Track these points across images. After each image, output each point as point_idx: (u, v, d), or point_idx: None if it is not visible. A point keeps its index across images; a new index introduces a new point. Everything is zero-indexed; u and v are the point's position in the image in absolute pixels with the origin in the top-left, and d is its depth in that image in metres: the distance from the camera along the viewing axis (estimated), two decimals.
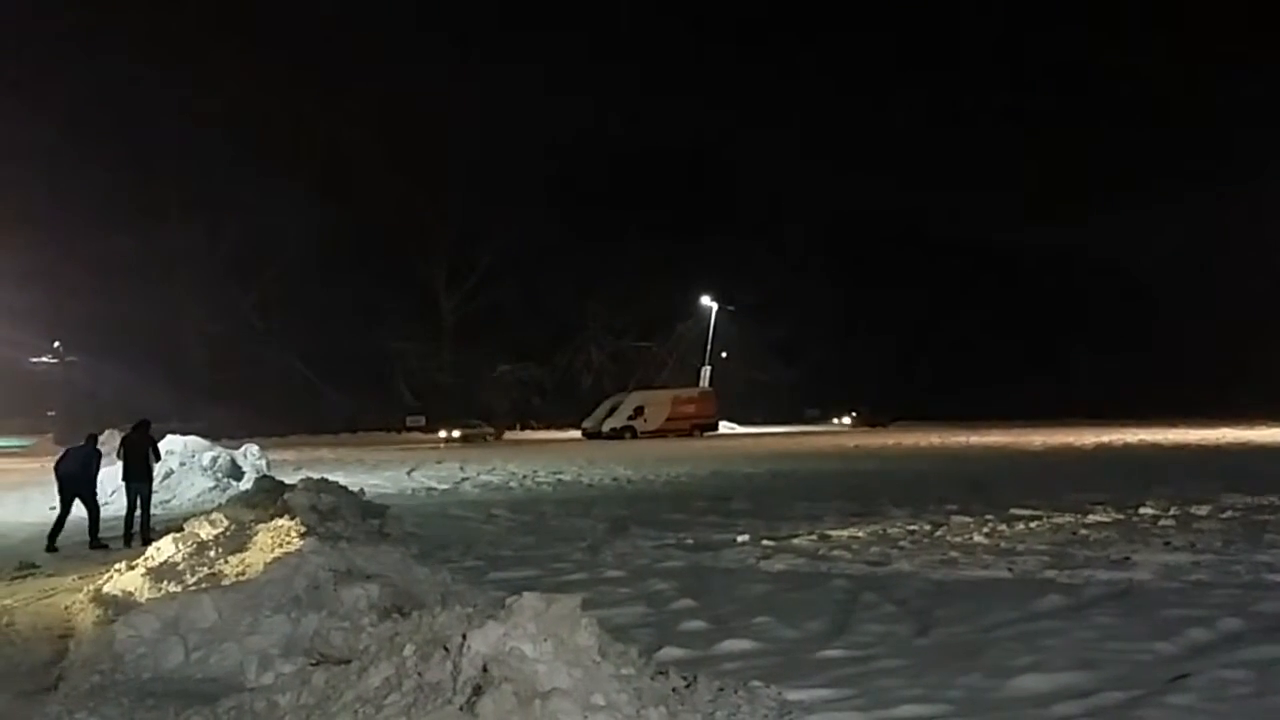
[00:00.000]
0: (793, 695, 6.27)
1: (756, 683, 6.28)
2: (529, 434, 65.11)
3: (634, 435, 58.25)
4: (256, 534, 11.33)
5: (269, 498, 16.16)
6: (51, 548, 14.21)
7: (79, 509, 14.76)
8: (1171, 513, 15.56)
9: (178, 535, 11.94)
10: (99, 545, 14.38)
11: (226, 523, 12.44)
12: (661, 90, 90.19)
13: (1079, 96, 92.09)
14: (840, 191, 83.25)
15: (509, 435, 62.82)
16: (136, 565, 10.98)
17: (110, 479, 16.97)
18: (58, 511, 14.89)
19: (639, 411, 60.60)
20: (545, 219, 69.36)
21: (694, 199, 78.77)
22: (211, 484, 21.69)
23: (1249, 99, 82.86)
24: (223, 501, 18.29)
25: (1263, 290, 73.38)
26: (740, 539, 13.82)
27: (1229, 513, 15.50)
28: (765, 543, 13.40)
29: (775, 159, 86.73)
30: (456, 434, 58.53)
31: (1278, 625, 8.10)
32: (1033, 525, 14.57)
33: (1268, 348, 69.84)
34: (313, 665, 6.27)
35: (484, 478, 26.92)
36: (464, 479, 26.60)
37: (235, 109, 63.21)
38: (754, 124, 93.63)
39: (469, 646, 5.14)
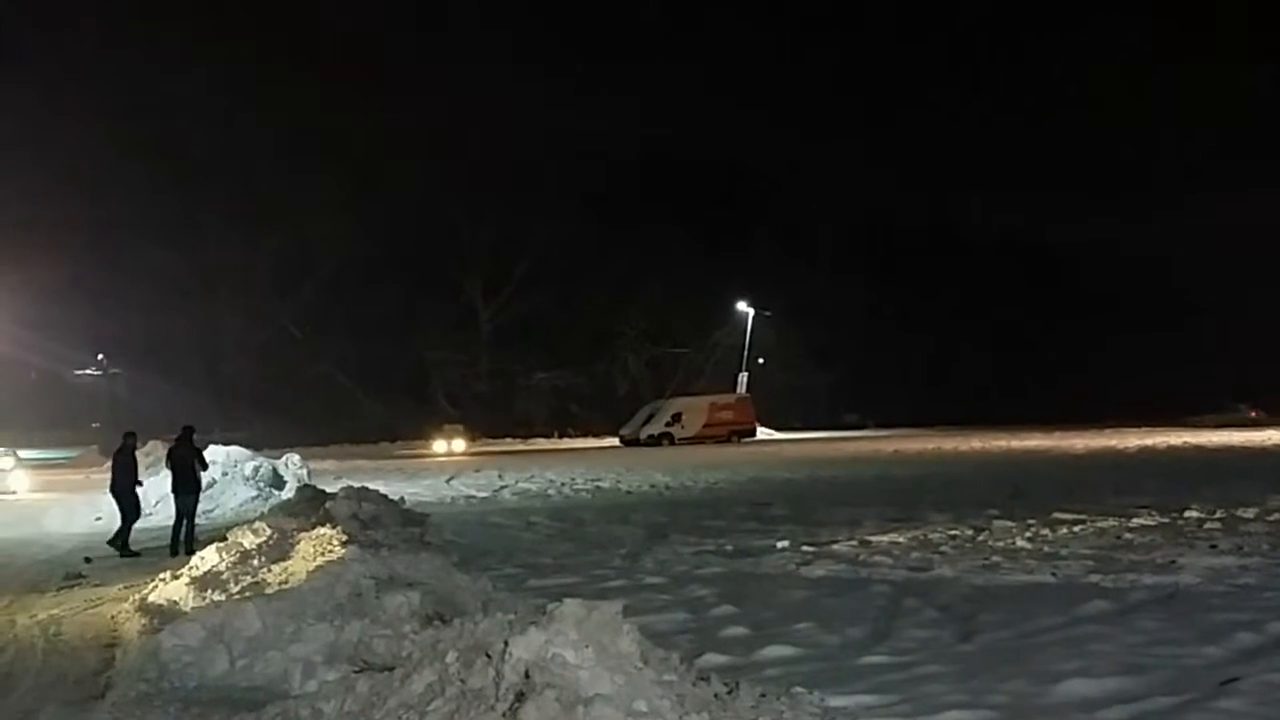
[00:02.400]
0: (835, 702, 6.23)
1: (799, 689, 6.24)
2: (559, 442, 64.05)
3: (671, 442, 58.15)
4: (299, 543, 11.41)
5: (311, 506, 16.27)
6: (123, 552, 14.46)
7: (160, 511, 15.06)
8: (1217, 516, 15.36)
9: (221, 544, 12.06)
10: (127, 552, 14.53)
11: (269, 532, 12.54)
12: (696, 95, 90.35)
13: (1115, 95, 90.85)
14: (875, 194, 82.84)
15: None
16: (181, 574, 11.11)
17: (154, 489, 17.17)
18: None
19: (676, 418, 60.50)
20: (581, 226, 69.48)
21: (730, 204, 78.69)
22: (254, 493, 21.89)
23: None
24: (265, 510, 18.43)
25: None
26: (780, 545, 13.77)
27: (1276, 515, 15.28)
28: (805, 548, 13.34)
29: (810, 163, 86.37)
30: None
31: None
32: (1076, 529, 14.43)
33: None
34: (356, 673, 6.31)
35: (523, 485, 26.98)
36: (503, 486, 26.67)
37: (275, 119, 63.92)
38: (787, 128, 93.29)
39: (511, 653, 5.14)
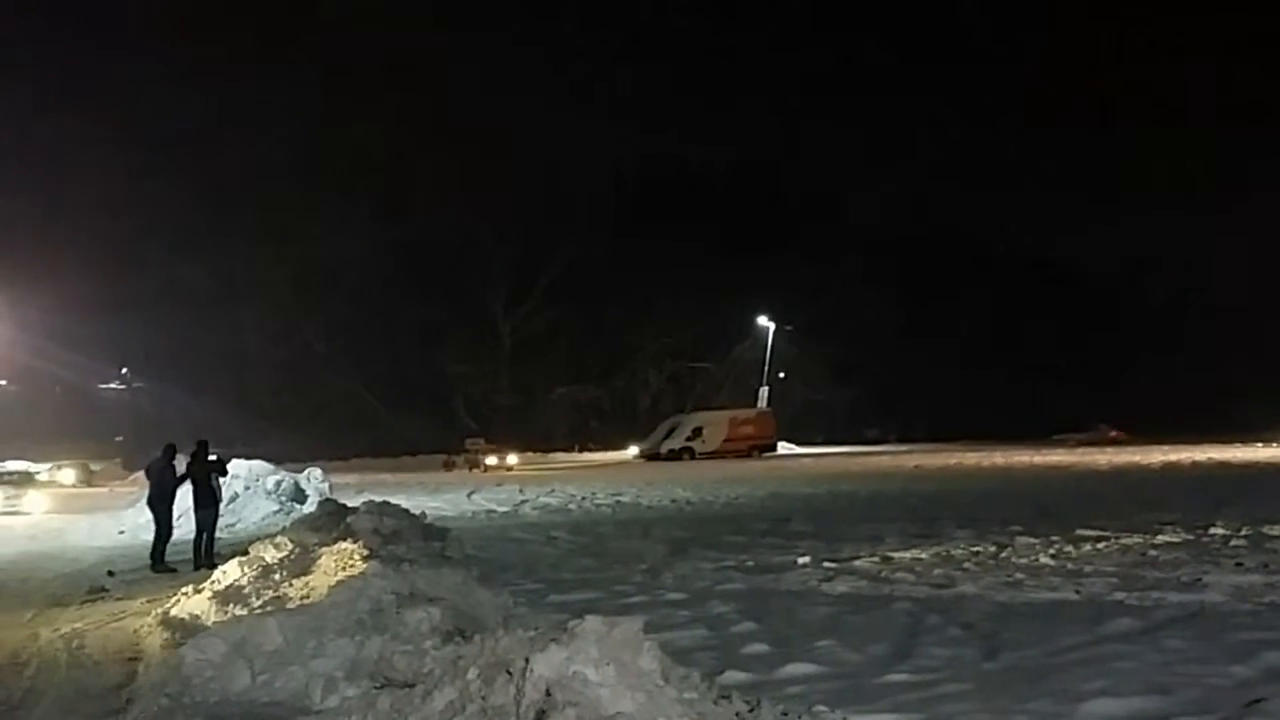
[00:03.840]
0: None
1: (821, 707, 6.21)
2: (578, 457, 63.62)
3: (692, 456, 58.08)
4: (320, 557, 11.43)
5: (332, 521, 16.30)
6: (158, 567, 14.52)
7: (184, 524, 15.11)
8: (1243, 533, 15.22)
9: (243, 559, 12.09)
10: (163, 568, 14.57)
11: (291, 546, 12.57)
12: (718, 109, 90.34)
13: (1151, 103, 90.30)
14: (900, 208, 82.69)
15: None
16: (203, 589, 11.14)
17: (178, 502, 17.23)
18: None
19: (697, 433, 60.45)
20: (603, 240, 69.70)
21: (752, 218, 78.56)
22: (275, 507, 21.97)
23: None
24: (287, 525, 18.47)
25: None
26: (801, 561, 13.72)
27: None
28: (826, 565, 13.29)
29: (834, 177, 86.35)
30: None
31: None
32: (1100, 546, 14.32)
33: None
34: (377, 689, 6.31)
35: (543, 500, 26.98)
36: (523, 501, 26.68)
37: (302, 134, 64.40)
38: (811, 142, 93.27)
39: (532, 670, 5.14)
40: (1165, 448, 51.56)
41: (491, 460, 52.05)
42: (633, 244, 70.93)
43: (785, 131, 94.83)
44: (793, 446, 66.99)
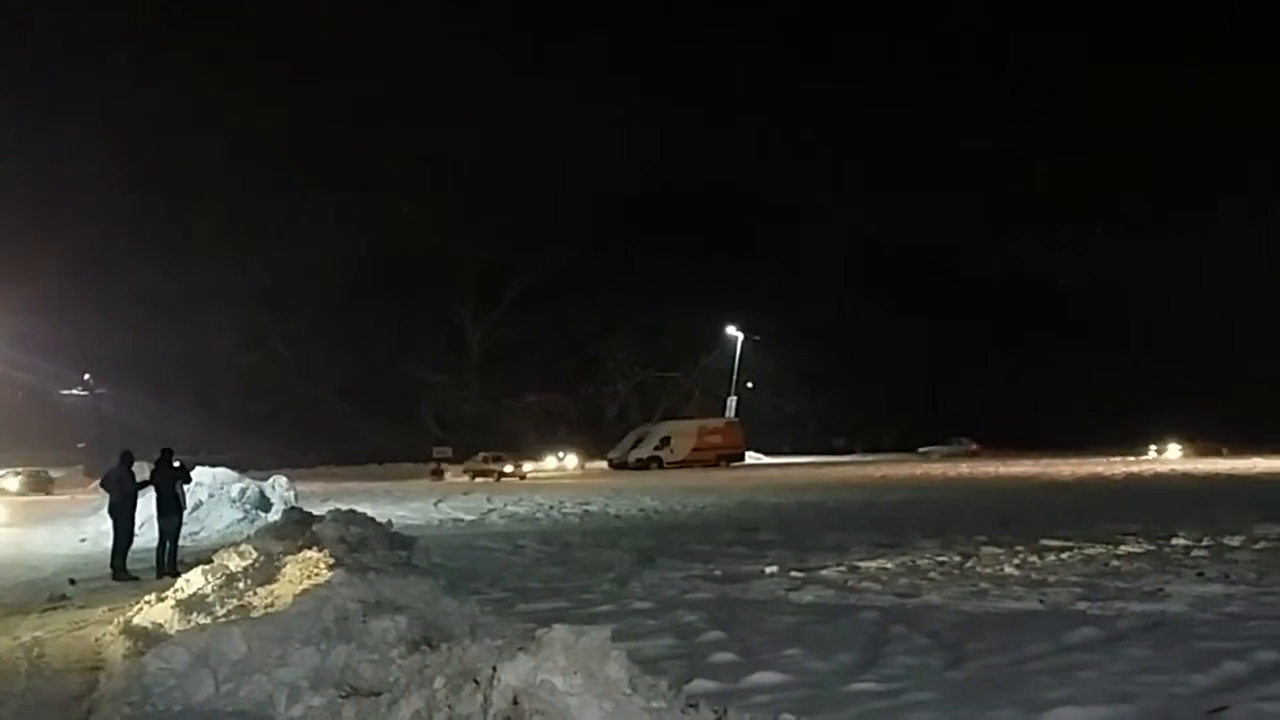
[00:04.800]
0: None
1: (787, 716, 6.22)
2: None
3: (660, 465, 58.13)
4: (285, 565, 11.36)
5: (297, 529, 16.21)
6: (120, 575, 14.35)
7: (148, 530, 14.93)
8: (1204, 544, 15.41)
9: (207, 567, 11.99)
10: (125, 576, 14.41)
11: (255, 554, 12.48)
12: (691, 119, 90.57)
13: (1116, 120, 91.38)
14: (867, 220, 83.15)
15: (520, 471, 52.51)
16: (166, 597, 11.03)
17: (139, 511, 17.06)
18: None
19: (665, 442, 60.52)
20: (572, 249, 69.73)
21: (721, 229, 78.88)
22: (240, 515, 21.79)
23: None
24: (251, 533, 18.33)
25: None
26: (768, 570, 13.75)
27: (1262, 543, 15.34)
28: (794, 574, 13.33)
29: (804, 188, 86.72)
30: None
31: None
32: (1064, 556, 14.44)
33: None
34: (342, 698, 6.27)
35: (511, 509, 26.92)
36: (491, 510, 26.61)
37: (267, 139, 64.03)
38: (782, 153, 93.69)
39: (499, 679, 5.13)
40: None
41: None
42: (602, 253, 71.22)
43: (755, 142, 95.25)
44: (760, 456, 67.21)
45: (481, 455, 53.84)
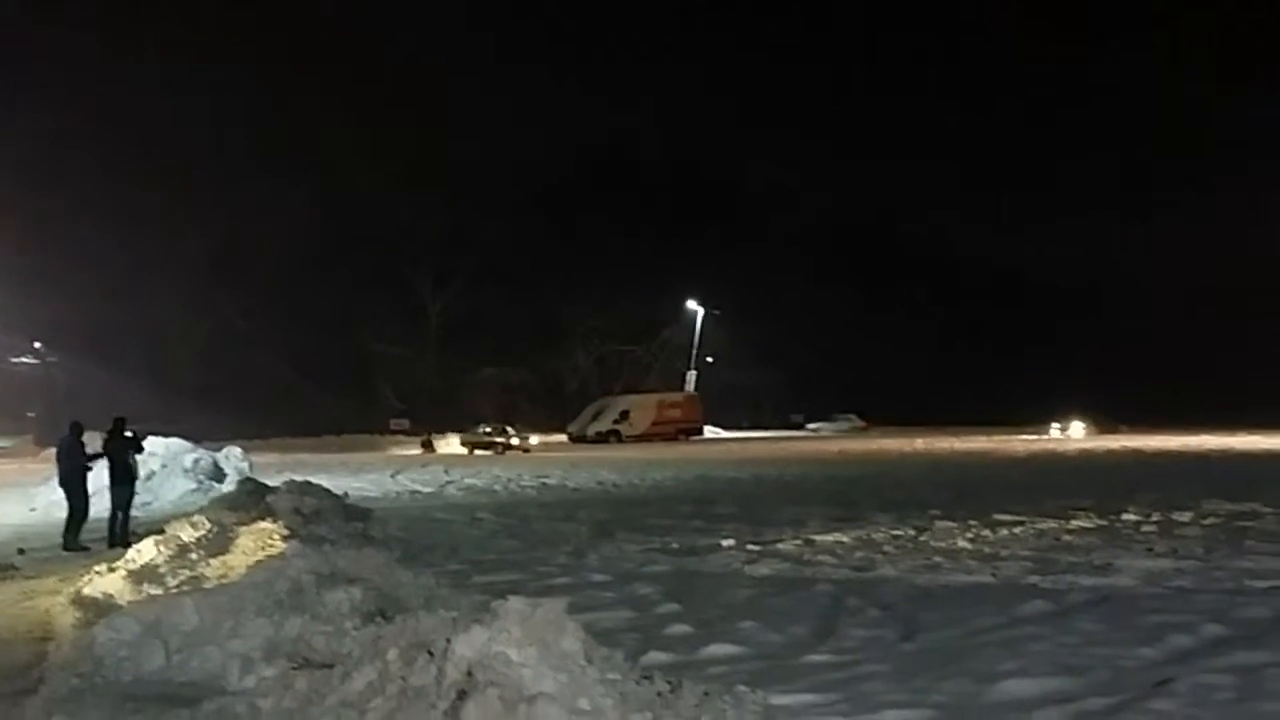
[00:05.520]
0: (778, 700, 6.25)
1: (742, 688, 6.25)
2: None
3: (619, 439, 58.17)
4: (239, 537, 11.28)
5: (251, 500, 16.09)
6: (71, 546, 14.14)
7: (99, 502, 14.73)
8: (1154, 519, 15.64)
9: (159, 538, 11.88)
10: (74, 546, 14.23)
11: (208, 525, 12.38)
12: (655, 93, 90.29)
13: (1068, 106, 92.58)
14: (828, 198, 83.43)
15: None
16: (117, 568, 10.91)
17: (91, 481, 16.85)
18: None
19: (625, 415, 60.54)
20: (533, 221, 69.42)
21: (683, 203, 78.82)
22: (193, 486, 21.57)
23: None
24: (205, 504, 18.19)
25: (1238, 297, 74.66)
26: (725, 543, 13.81)
27: (1210, 519, 15.59)
28: (750, 547, 13.39)
29: (763, 164, 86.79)
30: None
31: (1259, 632, 8.13)
32: (1016, 531, 14.61)
33: (1250, 354, 70.63)
34: (295, 669, 6.23)
35: (468, 481, 26.85)
36: (448, 482, 26.53)
37: (224, 108, 63.11)
38: (742, 128, 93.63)
39: (454, 651, 5.11)
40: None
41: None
42: (563, 226, 70.90)
43: (719, 119, 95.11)
44: (719, 430, 67.43)
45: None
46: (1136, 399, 63.94)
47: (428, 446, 49.79)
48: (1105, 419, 61.03)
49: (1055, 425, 61.86)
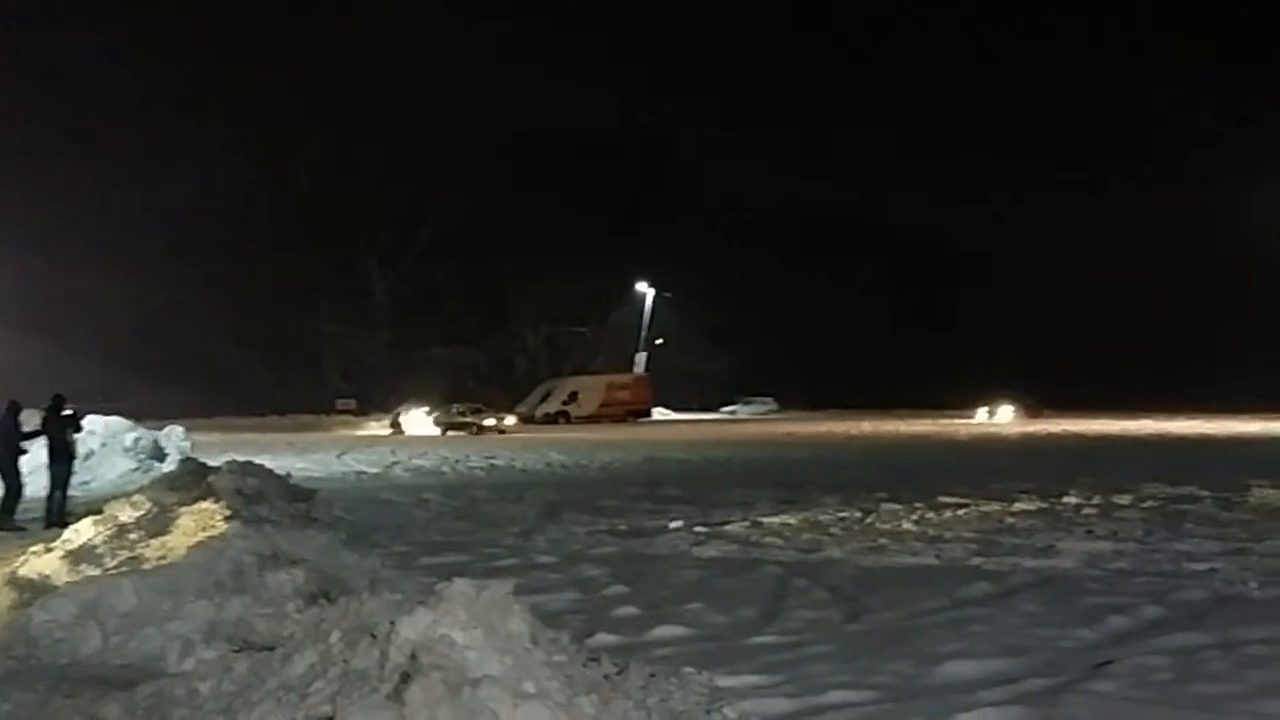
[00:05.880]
0: (724, 682, 6.25)
1: (688, 669, 6.24)
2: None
3: (568, 420, 58.10)
4: (179, 517, 11.08)
5: (193, 480, 15.81)
6: (6, 526, 13.85)
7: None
8: (1094, 502, 15.87)
9: (97, 517, 11.64)
10: (9, 526, 13.96)
11: (148, 505, 12.15)
12: (608, 73, 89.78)
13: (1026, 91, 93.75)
14: (780, 180, 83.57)
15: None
16: (54, 548, 10.68)
17: (28, 460, 16.52)
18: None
19: (573, 397, 60.49)
20: (484, 200, 68.82)
21: (634, 184, 78.67)
22: (133, 465, 21.23)
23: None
24: (145, 484, 17.88)
25: (1182, 283, 76.12)
26: (673, 525, 13.84)
27: (1149, 502, 15.85)
28: (698, 529, 13.43)
29: (716, 146, 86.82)
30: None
31: (1197, 613, 8.27)
32: (960, 513, 14.77)
33: (1189, 339, 71.99)
34: (235, 652, 6.13)
35: (415, 462, 26.69)
36: (395, 463, 26.34)
37: (170, 80, 61.95)
38: (694, 111, 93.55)
39: (397, 633, 5.04)
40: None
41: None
42: (514, 206, 70.43)
43: (671, 98, 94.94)
44: (668, 412, 67.58)
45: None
46: (1061, 384, 65.02)
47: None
48: (1030, 403, 61.58)
49: (984, 409, 61.97)
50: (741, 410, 72.72)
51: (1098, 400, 61.95)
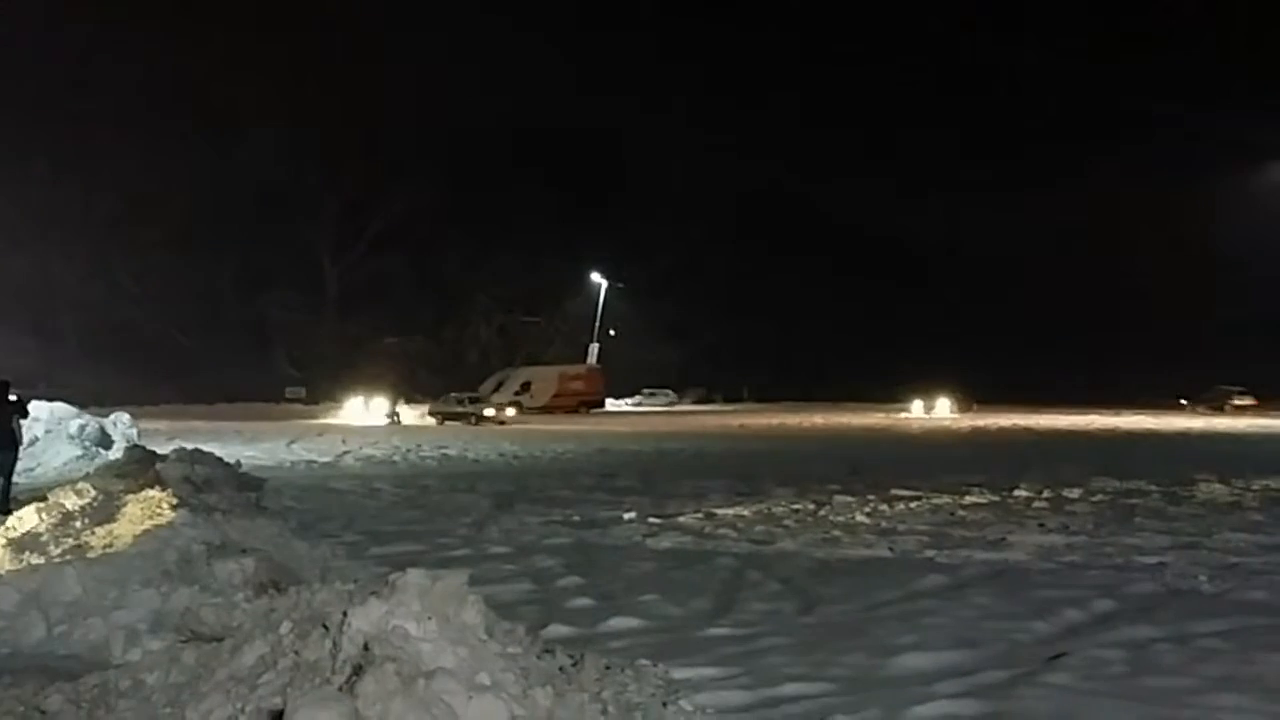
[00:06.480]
0: (679, 674, 6.23)
1: (643, 661, 6.22)
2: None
3: (521, 411, 57.84)
4: (126, 505, 10.89)
5: (140, 468, 15.58)
6: None
7: None
8: (1045, 495, 16.02)
9: (41, 505, 11.41)
10: None
11: (94, 493, 11.94)
12: (563, 64, 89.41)
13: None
14: (736, 175, 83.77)
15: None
16: None
17: None
18: None
19: (526, 387, 60.22)
20: (437, 188, 68.27)
21: (589, 175, 78.41)
22: (79, 453, 20.84)
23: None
24: (90, 471, 17.59)
25: (1118, 281, 77.52)
26: (627, 516, 13.80)
27: (1099, 496, 16.02)
28: (652, 520, 13.39)
29: (673, 140, 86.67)
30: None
31: (1148, 606, 8.35)
32: (913, 506, 14.85)
33: (1138, 335, 73.22)
34: (183, 642, 6.01)
35: (367, 451, 26.46)
36: (346, 452, 26.09)
37: (116, 62, 60.85)
38: (655, 102, 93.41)
39: (350, 624, 4.95)
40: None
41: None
42: (467, 194, 69.98)
43: (626, 88, 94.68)
44: (621, 403, 67.56)
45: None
46: (993, 378, 66.01)
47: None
48: (964, 397, 62.07)
49: (920, 402, 61.70)
50: (645, 402, 72.91)
51: (1028, 395, 63.10)
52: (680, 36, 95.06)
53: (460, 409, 46.68)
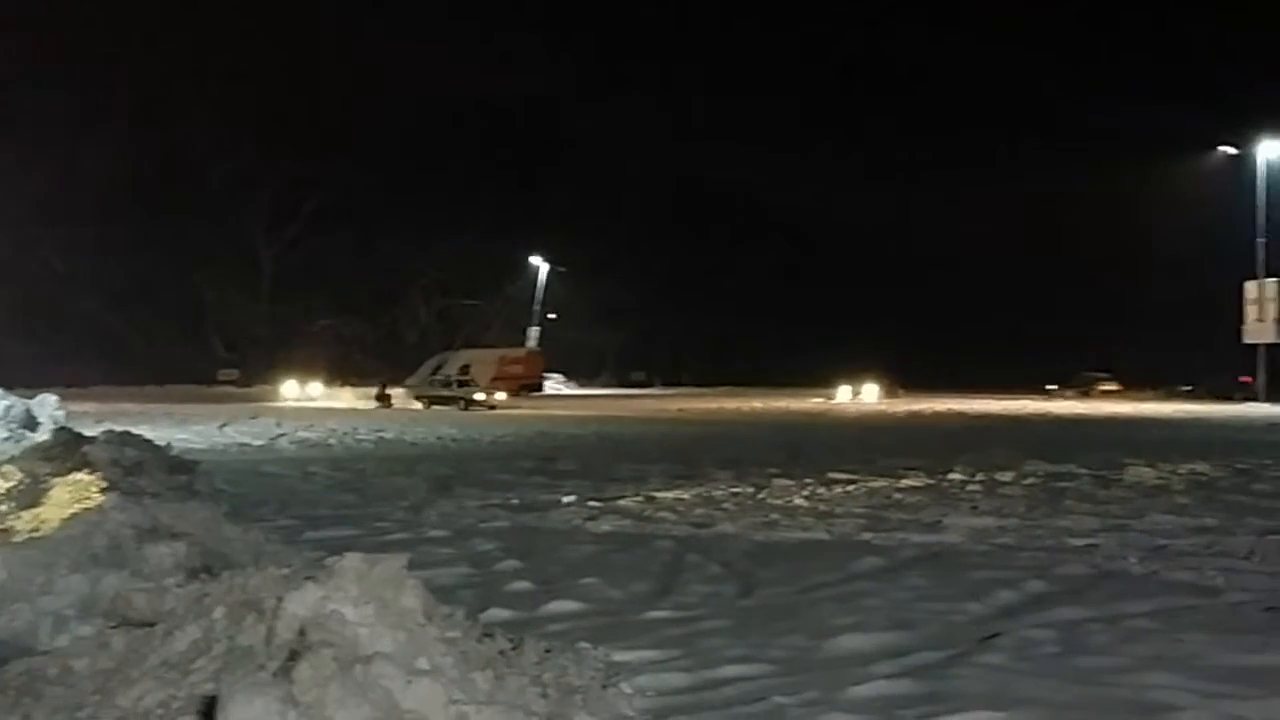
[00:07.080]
0: (619, 656, 6.22)
1: (584, 644, 6.20)
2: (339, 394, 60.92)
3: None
4: (52, 488, 10.63)
5: (67, 451, 15.17)
6: None
7: None
8: (978, 479, 16.23)
9: None
10: None
11: (19, 476, 11.63)
12: (504, 42, 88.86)
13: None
14: (678, 160, 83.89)
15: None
16: None
17: None
18: None
19: (465, 371, 59.89)
20: (376, 168, 67.62)
21: (530, 158, 78.08)
22: (3, 435, 20.29)
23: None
24: (16, 454, 17.16)
25: (1042, 269, 79.22)
26: (566, 500, 13.76)
27: (1030, 480, 16.26)
28: (591, 504, 13.37)
29: (615, 124, 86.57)
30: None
31: (1079, 588, 8.48)
32: (850, 489, 14.97)
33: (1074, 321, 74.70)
34: (113, 628, 5.87)
35: (301, 434, 26.15)
36: (280, 435, 25.77)
37: (46, 37, 59.39)
38: (597, 85, 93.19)
39: (285, 609, 4.87)
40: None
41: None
42: (406, 175, 69.48)
43: (568, 72, 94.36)
44: (560, 387, 67.46)
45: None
46: (915, 363, 67.20)
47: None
48: (889, 383, 62.95)
49: (847, 387, 62.16)
50: (548, 387, 72.98)
51: (952, 381, 64.35)
52: (636, 16, 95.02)
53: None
